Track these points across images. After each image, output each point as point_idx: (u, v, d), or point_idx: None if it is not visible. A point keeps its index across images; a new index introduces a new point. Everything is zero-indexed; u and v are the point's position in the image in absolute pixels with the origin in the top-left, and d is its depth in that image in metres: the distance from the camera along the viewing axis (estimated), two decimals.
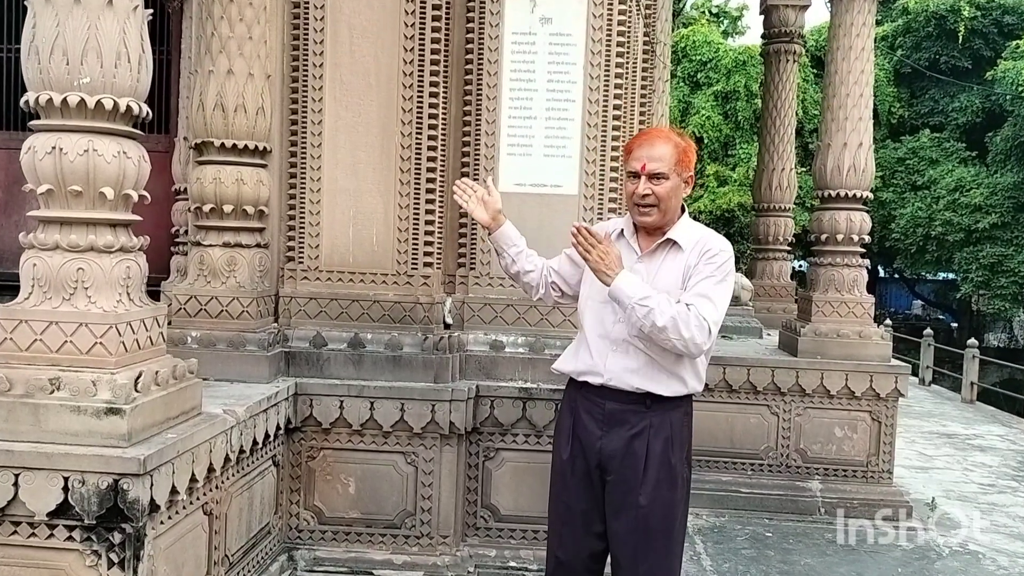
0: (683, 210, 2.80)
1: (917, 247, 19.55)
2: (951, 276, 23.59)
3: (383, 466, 3.83)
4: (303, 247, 3.95)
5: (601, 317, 2.77)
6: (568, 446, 2.83)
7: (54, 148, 2.43)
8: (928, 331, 13.65)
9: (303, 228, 3.94)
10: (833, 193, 5.68)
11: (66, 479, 2.36)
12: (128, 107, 2.52)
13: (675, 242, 2.73)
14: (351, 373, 3.83)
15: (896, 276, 25.80)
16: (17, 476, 2.36)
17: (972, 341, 12.09)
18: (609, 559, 2.85)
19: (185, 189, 4.29)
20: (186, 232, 4.21)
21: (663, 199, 2.67)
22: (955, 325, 25.70)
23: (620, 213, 3.79)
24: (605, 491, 2.78)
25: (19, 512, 2.38)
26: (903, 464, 6.40)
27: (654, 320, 2.53)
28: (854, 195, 5.66)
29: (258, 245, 3.82)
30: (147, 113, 2.62)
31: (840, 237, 5.69)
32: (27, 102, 2.49)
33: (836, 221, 5.68)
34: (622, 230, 2.84)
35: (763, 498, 5.61)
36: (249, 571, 3.46)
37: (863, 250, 5.82)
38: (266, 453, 3.57)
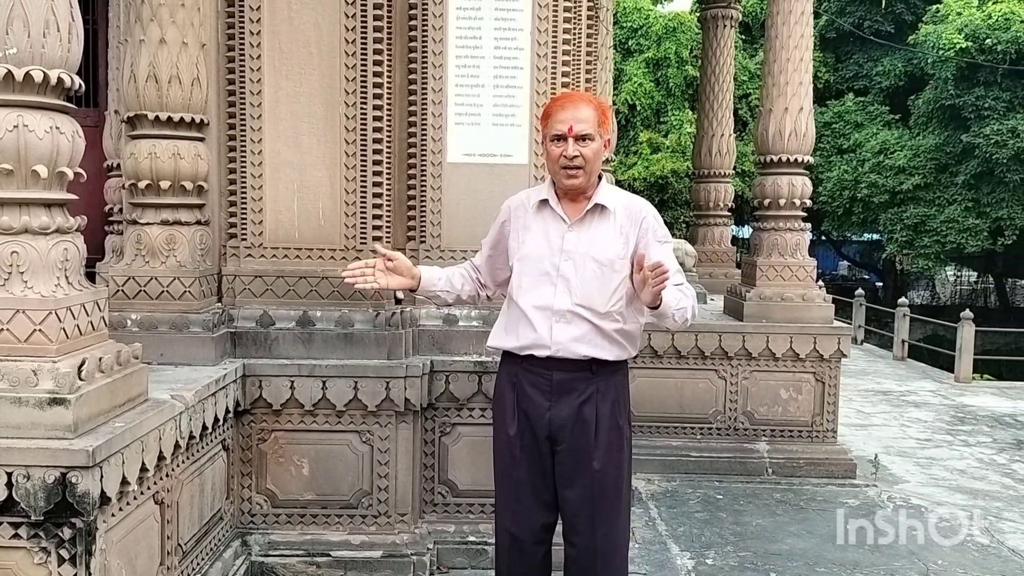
0: (600, 175, 2.81)
1: (844, 209, 20.00)
2: (876, 237, 24.22)
3: (337, 446, 3.74)
4: (246, 223, 3.81)
5: (540, 291, 2.74)
6: (514, 421, 2.81)
7: None
8: (859, 291, 14.03)
9: (245, 204, 3.80)
10: (775, 158, 5.72)
11: (9, 474, 2.24)
12: (59, 79, 2.36)
13: (603, 206, 2.75)
14: (301, 352, 3.73)
15: (823, 238, 26.39)
16: None
17: (903, 300, 12.46)
18: (560, 527, 2.85)
19: (118, 165, 4.10)
20: (121, 210, 4.03)
21: (590, 160, 2.68)
22: (880, 284, 26.48)
23: None
24: (555, 461, 2.78)
25: None
26: (843, 422, 6.53)
27: (687, 317, 2.68)
28: (796, 159, 5.71)
29: (198, 222, 3.67)
30: (79, 85, 2.47)
31: (783, 202, 5.75)
32: None
33: (779, 186, 5.73)
34: (544, 200, 2.80)
35: (713, 461, 5.69)
36: (203, 559, 3.35)
37: (805, 214, 5.89)
38: (216, 438, 3.46)
